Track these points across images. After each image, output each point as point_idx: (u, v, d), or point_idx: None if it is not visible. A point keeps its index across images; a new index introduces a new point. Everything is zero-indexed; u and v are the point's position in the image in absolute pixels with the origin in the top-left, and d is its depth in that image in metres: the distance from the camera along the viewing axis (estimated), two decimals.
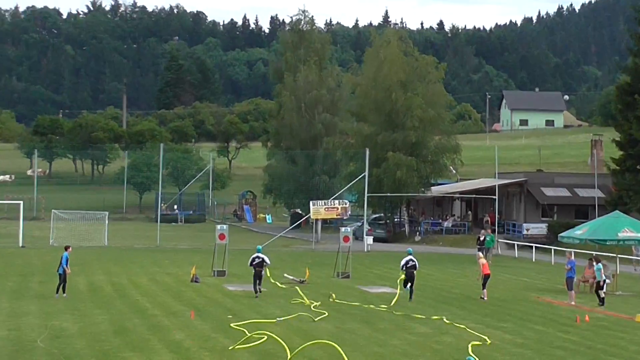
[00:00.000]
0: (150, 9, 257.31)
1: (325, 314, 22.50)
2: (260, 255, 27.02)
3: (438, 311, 24.17)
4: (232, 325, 20.29)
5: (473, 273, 33.06)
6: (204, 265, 34.70)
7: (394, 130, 57.69)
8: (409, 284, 26.53)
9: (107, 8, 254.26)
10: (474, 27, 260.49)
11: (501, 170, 64.39)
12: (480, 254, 29.16)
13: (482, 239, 43.42)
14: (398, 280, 27.14)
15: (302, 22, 71.67)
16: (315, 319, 21.65)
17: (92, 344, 17.75)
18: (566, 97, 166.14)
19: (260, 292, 26.67)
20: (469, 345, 18.25)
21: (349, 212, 52.08)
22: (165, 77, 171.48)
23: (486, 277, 27.27)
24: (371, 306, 24.79)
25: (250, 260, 27.19)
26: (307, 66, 70.05)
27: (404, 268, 26.79)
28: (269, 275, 28.77)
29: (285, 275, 31.76)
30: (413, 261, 26.75)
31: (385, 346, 18.25)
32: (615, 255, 33.95)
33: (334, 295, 26.65)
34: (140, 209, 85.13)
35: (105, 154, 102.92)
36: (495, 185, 53.41)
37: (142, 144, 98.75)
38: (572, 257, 28.05)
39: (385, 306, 24.81)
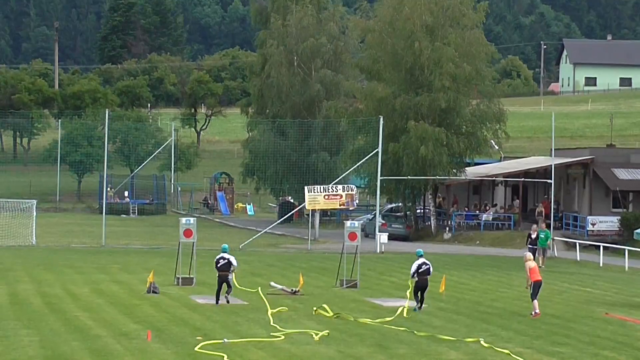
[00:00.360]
0: None
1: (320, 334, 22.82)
2: (225, 255, 28.27)
3: (473, 331, 24.51)
4: (197, 349, 20.59)
5: (521, 281, 33.37)
6: (164, 271, 34.96)
7: (417, 91, 57.86)
8: (419, 293, 27.96)
9: None
10: None
11: (559, 145, 64.64)
12: (529, 254, 29.32)
13: (533, 236, 43.85)
14: (408, 292, 27.64)
15: None
16: (317, 337, 21.97)
17: None
18: None
19: (228, 302, 27.85)
20: None
21: (357, 201, 52.42)
22: (111, 20, 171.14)
23: (536, 285, 27.68)
24: (385, 324, 25.15)
25: (215, 262, 28.47)
26: (301, 6, 70.03)
27: (415, 275, 28.00)
28: (236, 283, 29.07)
29: (272, 284, 32.08)
30: (427, 264, 28.09)
31: None
32: None
33: (316, 308, 27.30)
34: (79, 196, 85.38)
35: (31, 124, 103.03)
36: (551, 166, 53.68)
37: (81, 110, 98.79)
38: None
39: (387, 318, 25.08)
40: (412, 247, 51.52)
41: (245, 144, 74.23)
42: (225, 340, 21.79)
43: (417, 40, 56.90)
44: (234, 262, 28.21)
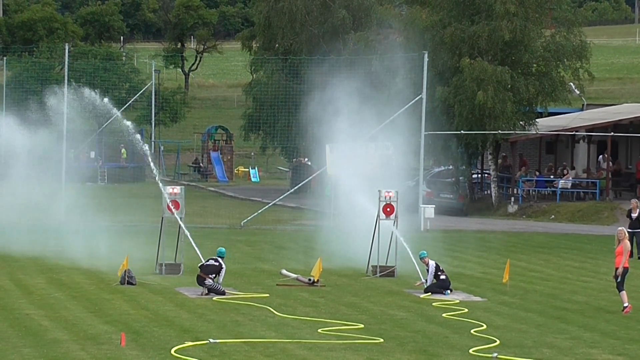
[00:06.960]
0: None
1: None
2: (219, 260, 29.04)
3: (547, 333, 24.59)
4: (174, 352, 20.87)
5: (610, 267, 33.16)
6: (143, 255, 34.93)
7: (472, 19, 57.45)
8: (449, 290, 30.16)
9: None
10: None
11: None
12: (624, 230, 28.24)
13: (634, 215, 39.71)
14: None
15: None
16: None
17: None
18: None
19: (206, 294, 28.61)
20: None
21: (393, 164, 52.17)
22: None
23: (623, 272, 27.49)
24: (433, 323, 25.08)
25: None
26: None
27: (431, 279, 30.17)
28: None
29: (283, 272, 32.12)
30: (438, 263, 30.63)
31: None
32: None
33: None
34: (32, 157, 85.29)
35: None
36: None
37: (33, 45, 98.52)
38: None
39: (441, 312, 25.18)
40: (468, 223, 51.42)
41: (248, 88, 73.95)
42: (211, 340, 21.87)
43: None
44: (223, 271, 28.90)
